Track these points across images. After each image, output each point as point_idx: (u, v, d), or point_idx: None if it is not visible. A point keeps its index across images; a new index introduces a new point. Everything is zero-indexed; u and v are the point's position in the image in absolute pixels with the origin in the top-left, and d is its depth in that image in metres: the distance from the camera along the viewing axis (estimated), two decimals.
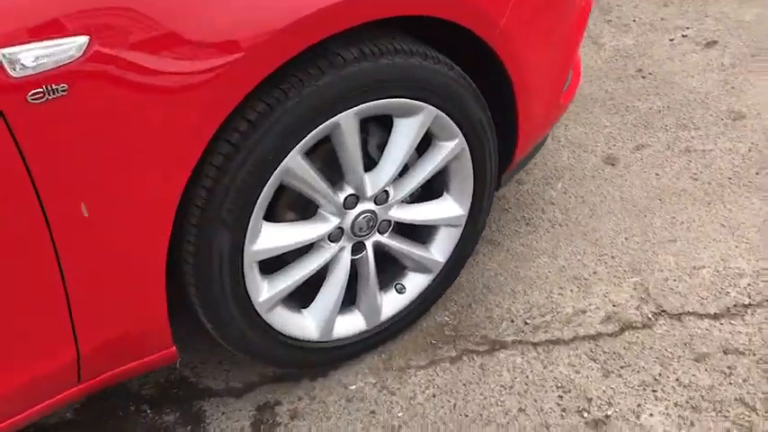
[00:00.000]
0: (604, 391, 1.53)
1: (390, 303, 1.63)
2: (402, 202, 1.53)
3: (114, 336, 1.24)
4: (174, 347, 1.35)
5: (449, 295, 1.76)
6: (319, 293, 1.51)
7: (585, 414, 1.49)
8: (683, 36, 2.79)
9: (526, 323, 1.70)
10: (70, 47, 0.97)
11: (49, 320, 1.15)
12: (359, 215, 1.45)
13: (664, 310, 1.70)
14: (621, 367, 1.57)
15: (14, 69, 0.94)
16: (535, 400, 1.52)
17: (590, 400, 1.51)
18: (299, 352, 1.52)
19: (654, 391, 1.52)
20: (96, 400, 1.59)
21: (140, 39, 1.01)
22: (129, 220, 1.13)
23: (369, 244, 1.52)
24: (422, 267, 1.64)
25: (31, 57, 0.95)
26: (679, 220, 1.94)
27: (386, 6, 1.24)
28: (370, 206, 1.47)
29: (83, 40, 0.98)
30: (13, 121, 0.96)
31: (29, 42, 0.94)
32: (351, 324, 1.58)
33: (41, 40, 0.95)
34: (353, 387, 1.59)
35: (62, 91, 0.98)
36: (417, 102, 1.38)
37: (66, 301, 1.14)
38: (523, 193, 2.08)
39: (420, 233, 1.64)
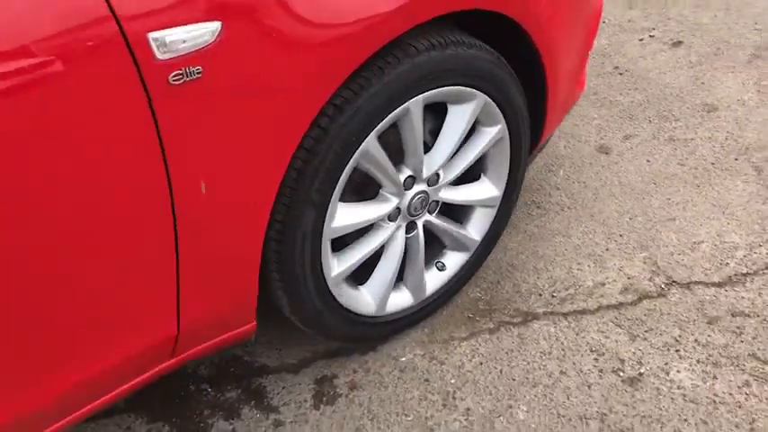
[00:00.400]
0: (634, 353, 1.68)
1: (432, 280, 1.74)
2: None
3: (210, 311, 1.31)
4: (255, 322, 1.43)
5: (478, 273, 1.88)
6: (375, 270, 1.61)
7: (621, 373, 1.64)
8: (651, 36, 3.01)
9: (553, 296, 1.84)
10: (205, 32, 1.05)
11: (159, 294, 1.21)
12: (415, 196, 1.56)
13: (674, 281, 1.87)
14: (645, 331, 1.73)
15: (160, 52, 1.01)
16: (574, 363, 1.66)
17: (622, 361, 1.67)
18: (359, 326, 1.61)
19: (677, 350, 1.68)
20: (155, 383, 1.63)
21: (267, 23, 1.09)
22: (239, 198, 1.21)
23: (420, 223, 1.63)
24: (460, 246, 1.76)
25: (175, 40, 1.02)
26: (674, 201, 2.13)
27: (462, 1, 1.36)
28: (424, 187, 1.58)
29: (216, 25, 1.05)
30: (156, 100, 1.03)
31: (172, 27, 1.01)
32: (400, 300, 1.68)
33: (182, 24, 1.02)
34: (404, 359, 1.70)
35: (197, 73, 1.05)
36: (472, 89, 1.50)
37: (177, 276, 1.20)
38: (530, 180, 2.23)
39: (457, 213, 1.75)
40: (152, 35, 1.00)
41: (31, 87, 0.93)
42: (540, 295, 1.85)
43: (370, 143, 1.38)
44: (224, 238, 1.23)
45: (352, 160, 1.37)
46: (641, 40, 2.98)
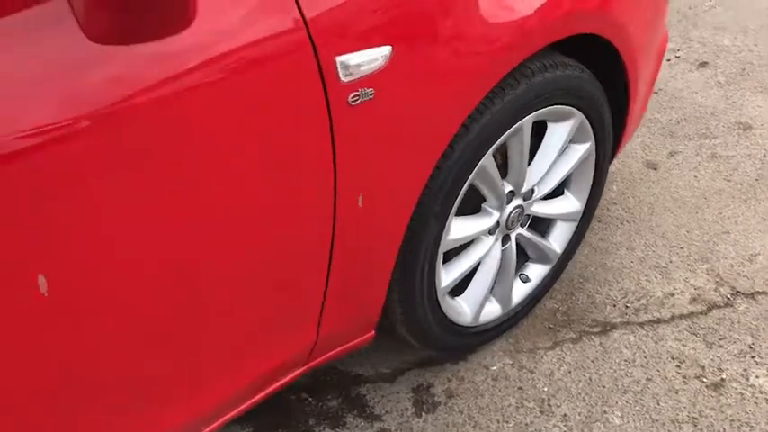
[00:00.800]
0: (713, 360, 1.77)
1: (518, 291, 1.81)
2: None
3: (345, 319, 1.36)
4: (374, 331, 1.48)
5: (552, 285, 1.96)
6: (472, 282, 1.67)
7: (704, 379, 1.72)
8: (677, 57, 3.13)
9: (627, 306, 1.92)
10: (379, 56, 1.11)
11: (310, 302, 1.25)
12: (513, 210, 1.63)
13: (738, 291, 1.96)
14: (719, 339, 1.82)
15: (344, 75, 1.07)
16: (658, 371, 1.74)
17: (703, 367, 1.75)
18: (457, 336, 1.67)
19: (753, 357, 1.77)
20: None
21: (428, 48, 1.16)
22: (386, 212, 1.26)
23: (513, 236, 1.70)
24: (544, 258, 1.83)
25: (355, 64, 1.08)
26: (726, 216, 2.23)
27: (579, 26, 1.44)
28: (521, 202, 1.65)
29: (387, 50, 1.11)
30: (336, 119, 1.08)
31: (355, 51, 1.07)
32: (491, 310, 1.75)
33: (361, 49, 1.08)
34: (495, 368, 1.76)
35: (370, 95, 1.11)
36: (572, 108, 1.58)
37: (325, 285, 1.25)
38: None
39: (539, 226, 1.83)
40: (339, 59, 1.06)
41: (229, 91, 0.97)
42: (615, 306, 1.93)
43: (488, 160, 1.45)
44: (368, 249, 1.29)
45: (470, 177, 1.43)
46: (668, 60, 3.10)
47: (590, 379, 1.73)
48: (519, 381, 1.73)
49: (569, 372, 1.75)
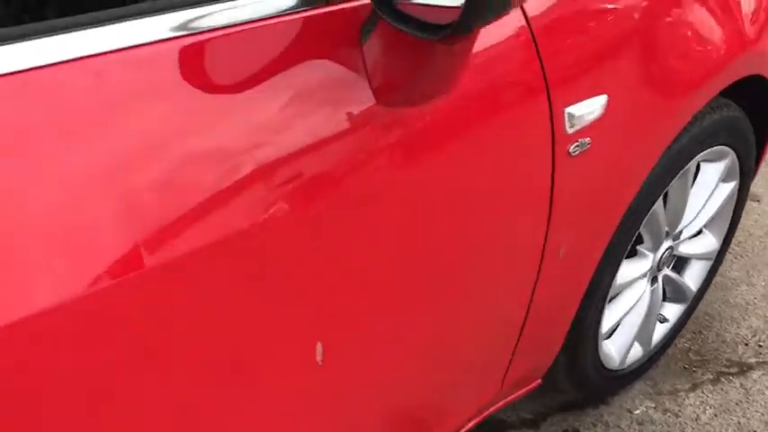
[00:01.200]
0: None
1: (656, 332, 1.77)
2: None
3: (526, 369, 1.32)
4: (540, 379, 1.44)
5: None
6: (621, 324, 1.63)
7: None
8: None
9: (759, 345, 1.88)
10: (597, 105, 1.08)
11: (500, 357, 1.22)
12: (665, 251, 1.60)
13: None
14: None
15: (569, 125, 1.04)
16: None
17: None
18: (607, 381, 1.63)
19: None
20: None
21: (639, 94, 1.14)
22: (579, 260, 1.23)
23: (660, 277, 1.67)
24: (680, 297, 1.79)
25: (579, 114, 1.05)
26: None
27: (752, 68, 1.41)
28: (671, 242, 1.62)
29: (604, 98, 1.09)
30: (558, 171, 1.05)
31: (580, 101, 1.05)
32: (633, 352, 1.71)
33: (586, 99, 1.06)
34: (638, 411, 1.71)
35: (587, 144, 1.08)
36: (728, 148, 1.56)
37: (517, 340, 1.22)
38: None
39: (675, 265, 1.79)
40: (567, 110, 1.03)
41: (473, 145, 0.95)
42: (747, 345, 1.89)
43: (659, 203, 1.42)
44: (559, 300, 1.25)
45: (644, 221, 1.40)
46: None
47: (739, 423, 1.68)
48: (666, 425, 1.68)
49: (715, 415, 1.70)
